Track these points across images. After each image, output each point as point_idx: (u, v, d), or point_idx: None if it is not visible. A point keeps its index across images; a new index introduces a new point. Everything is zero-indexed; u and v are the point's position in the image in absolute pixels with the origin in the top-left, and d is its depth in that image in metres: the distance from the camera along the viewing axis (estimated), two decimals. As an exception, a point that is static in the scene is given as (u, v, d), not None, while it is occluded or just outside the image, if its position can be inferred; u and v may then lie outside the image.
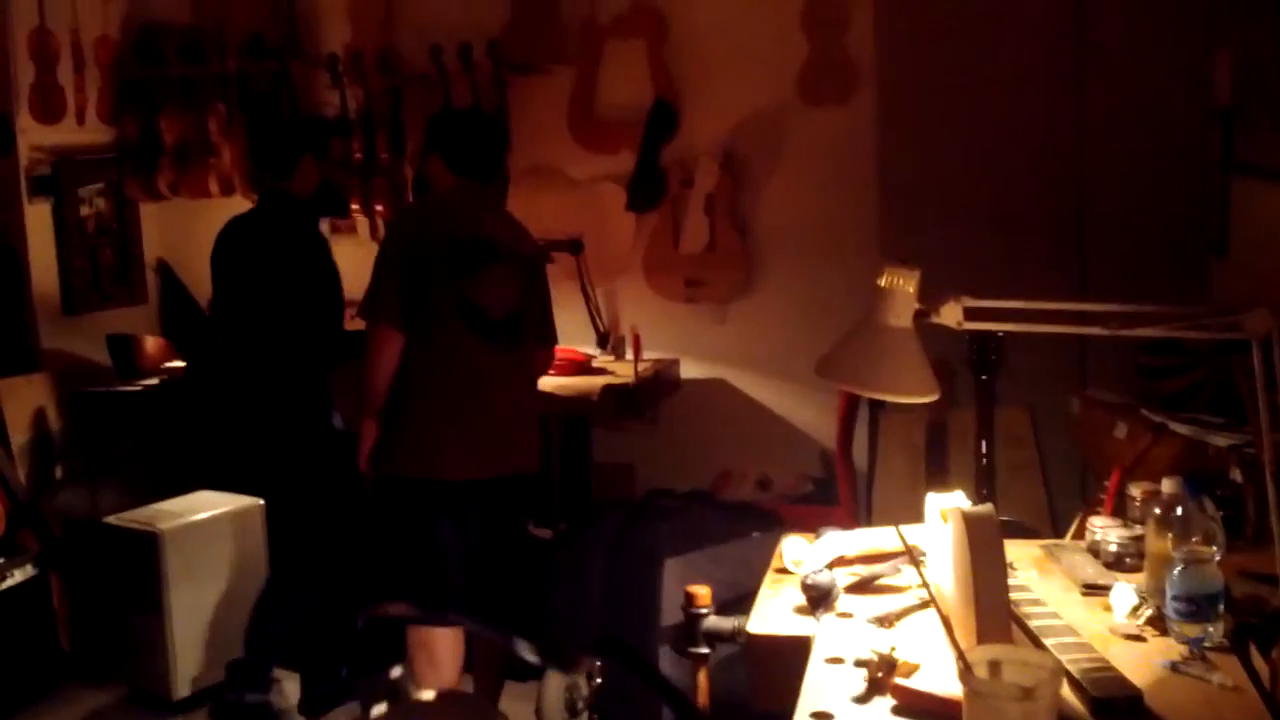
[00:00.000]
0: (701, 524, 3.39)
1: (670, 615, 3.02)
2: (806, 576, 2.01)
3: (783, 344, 4.55)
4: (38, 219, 4.77)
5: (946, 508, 1.81)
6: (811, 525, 3.84)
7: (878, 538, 2.23)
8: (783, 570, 2.21)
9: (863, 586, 2.07)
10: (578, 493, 4.47)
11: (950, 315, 1.99)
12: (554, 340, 3.56)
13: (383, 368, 3.15)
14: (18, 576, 3.88)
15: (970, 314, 1.98)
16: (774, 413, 4.61)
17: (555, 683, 3.04)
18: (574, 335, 4.62)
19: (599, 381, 4.12)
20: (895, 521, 3.85)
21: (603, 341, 4.61)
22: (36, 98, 4.70)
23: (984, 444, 3.66)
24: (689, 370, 4.65)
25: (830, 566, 2.14)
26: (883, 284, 1.98)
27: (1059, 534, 3.68)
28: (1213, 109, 3.40)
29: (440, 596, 3.20)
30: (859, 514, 3.96)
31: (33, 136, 4.73)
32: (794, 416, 4.59)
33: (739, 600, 3.08)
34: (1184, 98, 3.55)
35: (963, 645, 1.60)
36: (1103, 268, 3.74)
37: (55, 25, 4.68)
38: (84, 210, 4.92)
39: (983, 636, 1.57)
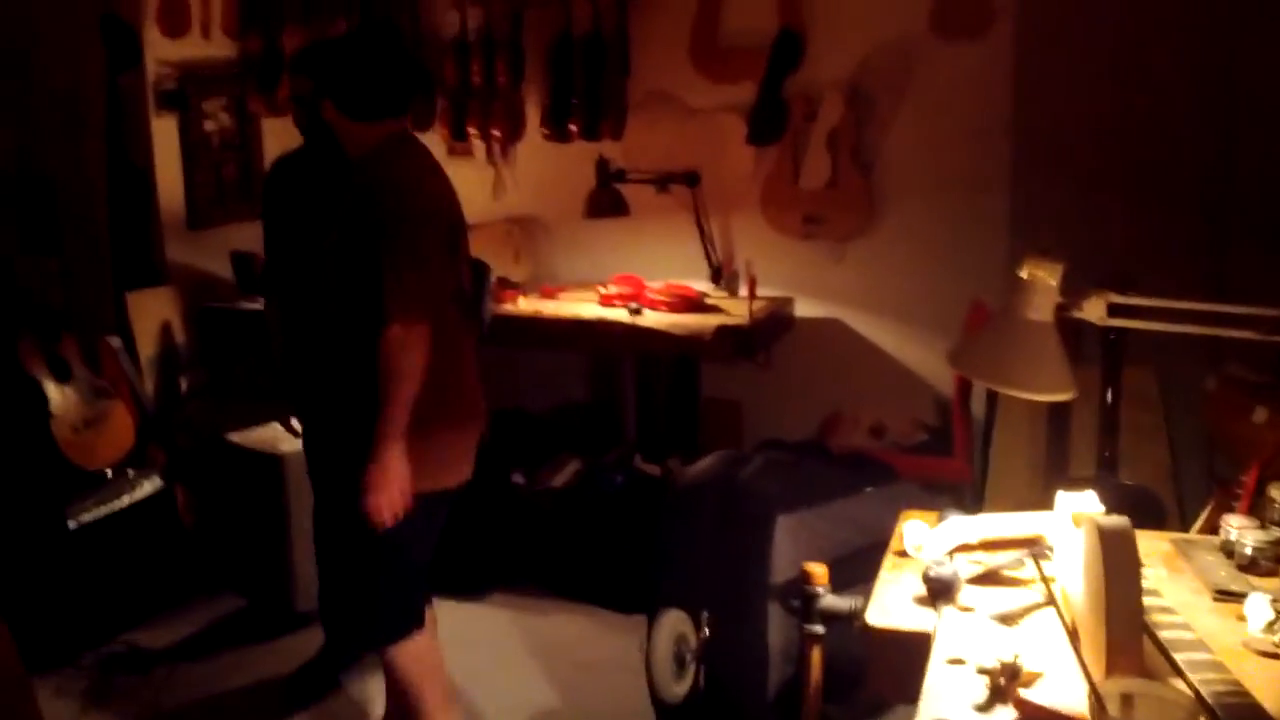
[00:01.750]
0: (814, 475, 3.36)
1: (781, 572, 3.03)
2: (929, 568, 1.98)
3: (901, 287, 4.48)
4: (164, 133, 4.85)
5: (1079, 512, 1.76)
6: (926, 475, 3.85)
7: (1001, 524, 2.18)
8: (902, 553, 2.18)
9: (986, 579, 2.03)
10: (685, 429, 4.47)
11: (1093, 310, 1.92)
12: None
13: (421, 375, 2.64)
14: (146, 489, 4.02)
15: (1114, 310, 1.90)
16: (890, 356, 4.54)
17: (667, 629, 3.08)
18: (687, 269, 4.62)
19: (712, 321, 4.09)
20: (1013, 485, 3.81)
21: (716, 276, 4.58)
22: (163, 12, 4.76)
23: (1109, 403, 3.58)
24: (803, 309, 4.59)
25: (951, 553, 2.11)
26: (1024, 275, 1.90)
27: (1182, 503, 3.60)
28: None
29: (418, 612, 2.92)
30: (975, 468, 3.90)
31: (159, 50, 4.80)
32: (910, 361, 4.52)
33: (853, 557, 3.09)
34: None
35: (1091, 667, 1.57)
36: (1243, 255, 3.57)
37: (184, -60, 4.71)
38: (208, 125, 4.99)
39: (1113, 663, 1.53)
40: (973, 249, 4.32)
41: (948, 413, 4.35)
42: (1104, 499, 2.31)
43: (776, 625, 2.93)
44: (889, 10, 4.34)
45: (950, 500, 3.90)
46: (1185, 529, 3.49)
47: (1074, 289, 1.92)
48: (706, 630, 2.98)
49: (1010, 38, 4.11)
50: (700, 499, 3.18)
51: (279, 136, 5.22)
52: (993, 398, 4.00)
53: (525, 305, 4.42)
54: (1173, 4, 3.57)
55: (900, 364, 4.54)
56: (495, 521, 4.18)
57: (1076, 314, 1.94)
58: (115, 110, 4.56)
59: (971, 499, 3.87)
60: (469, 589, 4.10)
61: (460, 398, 2.88)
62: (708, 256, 4.55)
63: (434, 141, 4.90)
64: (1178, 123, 3.61)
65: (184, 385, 4.65)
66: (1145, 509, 3.52)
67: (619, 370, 4.87)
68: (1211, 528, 2.46)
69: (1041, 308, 1.90)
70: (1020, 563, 2.05)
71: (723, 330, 4.00)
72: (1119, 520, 1.62)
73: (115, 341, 4.34)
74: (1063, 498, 1.92)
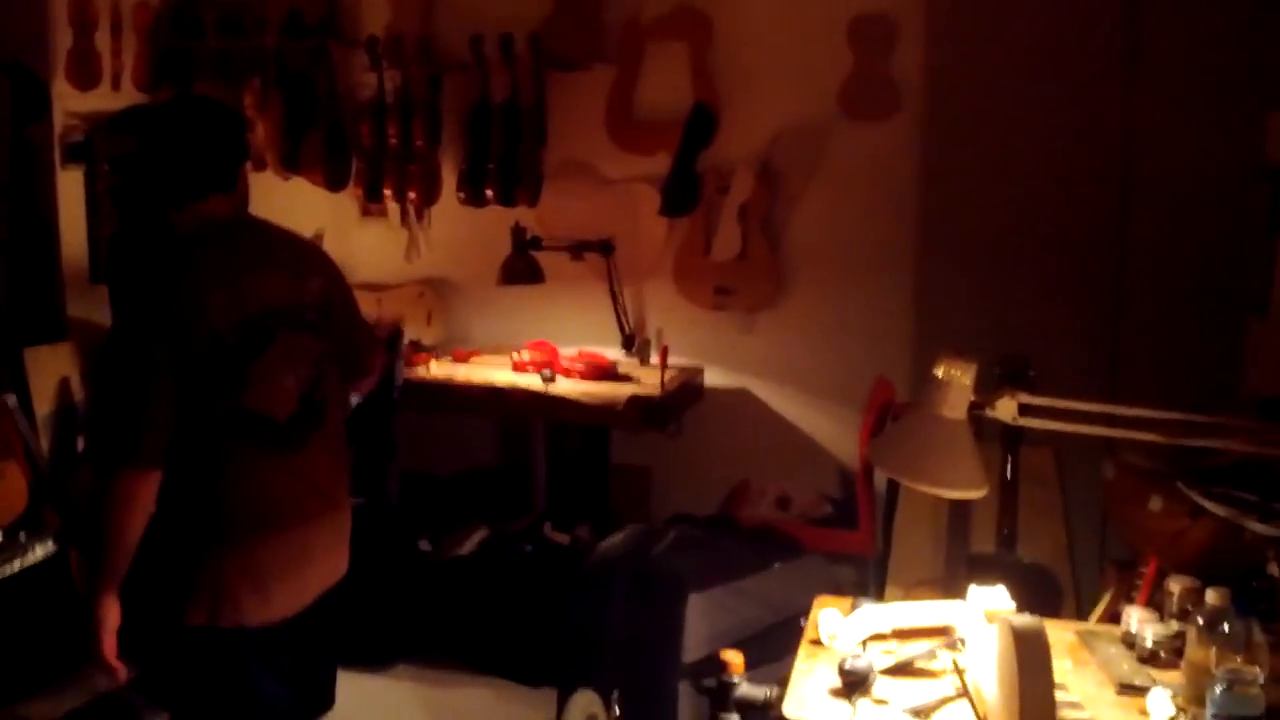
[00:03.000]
0: (723, 551, 3.40)
1: (692, 651, 3.05)
2: (844, 660, 2.01)
3: (808, 359, 4.56)
4: (69, 185, 4.74)
5: (992, 610, 1.81)
6: (830, 548, 3.91)
7: (913, 613, 2.23)
8: (816, 641, 2.22)
9: (900, 670, 2.07)
10: (595, 497, 4.48)
11: (1005, 410, 1.98)
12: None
13: (138, 522, 2.22)
14: (39, 553, 3.89)
15: (1025, 410, 1.97)
16: (796, 426, 4.61)
17: (578, 708, 3.06)
18: (599, 336, 4.65)
19: (625, 390, 4.12)
20: (915, 559, 3.89)
21: (628, 344, 4.62)
22: (73, 63, 4.66)
23: (1008, 481, 3.68)
24: (712, 378, 4.64)
25: (865, 643, 2.15)
26: (939, 375, 1.97)
27: (1077, 581, 3.71)
28: (1261, 168, 3.37)
29: None
30: (878, 541, 3.97)
31: (68, 102, 4.69)
32: (816, 431, 4.59)
33: (762, 635, 3.12)
34: (1230, 156, 3.51)
35: (1007, 767, 1.61)
36: (1138, 323, 3.72)
37: (95, -10, 4.64)
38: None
39: (1029, 764, 1.58)
40: (877, 325, 4.43)
41: (851, 485, 4.42)
42: (1003, 578, 2.38)
43: (687, 705, 2.94)
44: (800, 90, 4.45)
45: (854, 572, 3.99)
46: (1080, 608, 3.61)
47: (983, 383, 1.98)
48: (617, 710, 2.97)
49: (916, 121, 4.25)
50: (612, 575, 3.20)
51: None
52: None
53: (437, 370, 4.40)
54: (1072, 93, 3.72)
55: (805, 435, 4.61)
56: (400, 589, 4.12)
57: (989, 413, 2.00)
58: (21, 162, 4.45)
59: (875, 572, 3.93)
60: (373, 659, 4.03)
61: (260, 537, 2.36)
62: (620, 325, 4.59)
63: (348, 202, 4.90)
64: (1075, 207, 3.76)
65: (80, 445, 4.52)
66: (1043, 589, 3.63)
67: (528, 436, 4.86)
68: (1111, 615, 2.54)
69: (956, 406, 1.96)
70: (933, 654, 2.10)
71: (635, 400, 4.02)
72: (1033, 622, 1.67)
73: (10, 399, 4.19)
74: (975, 592, 1.97)
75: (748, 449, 4.62)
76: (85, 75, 4.68)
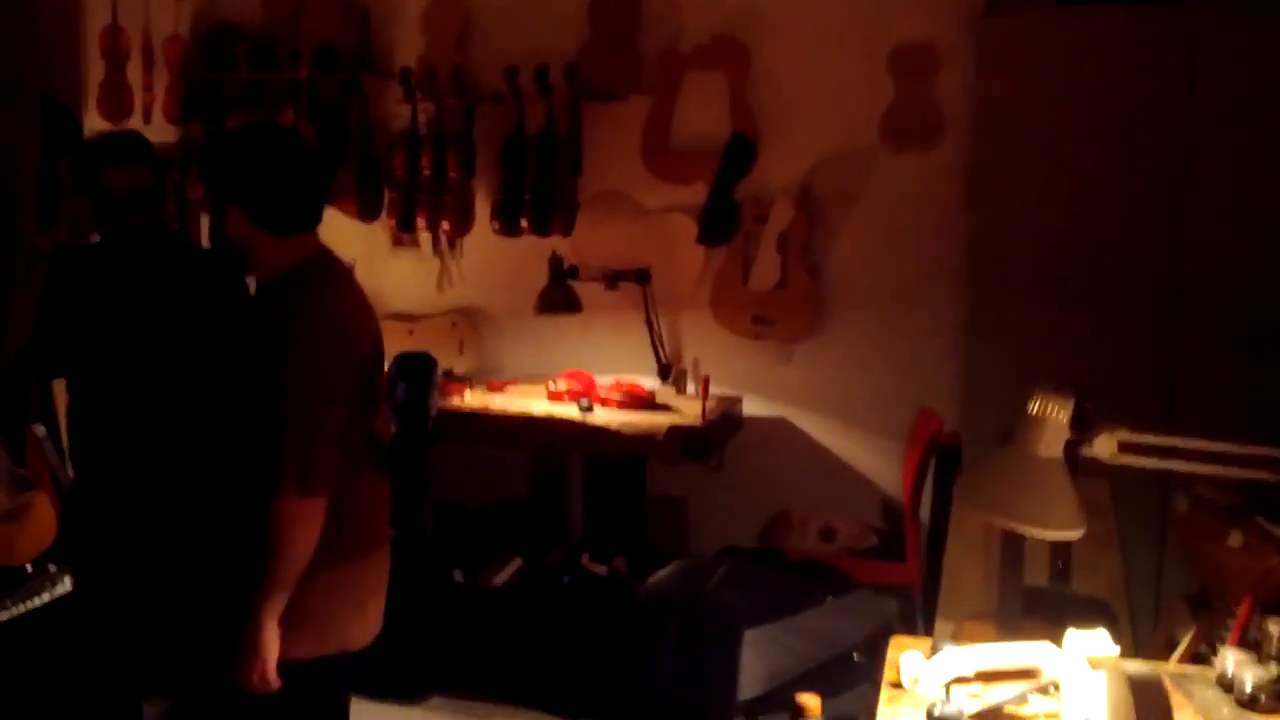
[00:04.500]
0: (774, 586, 3.33)
1: (747, 689, 2.99)
2: (934, 706, 1.95)
3: (848, 388, 4.50)
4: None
5: (1098, 657, 1.74)
6: (878, 580, 3.84)
7: (997, 655, 2.16)
8: (897, 684, 2.15)
9: (989, 715, 2.00)
10: (631, 528, 4.42)
11: (1104, 448, 1.92)
12: None
13: (311, 550, 2.22)
14: (68, 584, 3.83)
15: (1124, 448, 1.91)
16: (836, 457, 4.55)
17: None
18: (635, 366, 4.59)
19: (664, 420, 4.05)
20: (966, 591, 3.81)
21: (664, 373, 4.56)
22: (105, 95, 4.64)
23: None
24: (751, 408, 4.58)
25: (947, 685, 2.08)
26: (1033, 411, 1.90)
27: (1134, 614, 3.63)
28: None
29: None
30: (926, 573, 3.90)
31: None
32: (857, 462, 4.53)
33: (820, 670, 3.06)
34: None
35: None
36: (1195, 355, 3.65)
37: (127, 23, 4.61)
38: (146, 210, 4.86)
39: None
40: (920, 354, 4.38)
41: (894, 516, 4.36)
42: (1058, 611, 2.31)
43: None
44: (840, 120, 4.41)
45: (902, 605, 3.91)
46: (1136, 642, 3.53)
47: (1081, 424, 1.92)
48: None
49: (960, 150, 4.20)
50: (664, 613, 3.13)
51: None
52: (944, 503, 4.02)
53: (472, 399, 4.35)
54: (1126, 123, 3.65)
55: (847, 465, 4.55)
56: (434, 621, 4.04)
57: (1086, 451, 1.94)
58: (50, 194, 4.41)
59: (923, 605, 3.86)
60: (406, 692, 3.95)
61: (365, 557, 2.41)
62: (656, 354, 4.54)
63: (380, 233, 4.86)
64: (1130, 232, 3.69)
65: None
66: (1100, 622, 3.55)
67: (563, 466, 4.80)
68: (1192, 656, 2.47)
69: (1052, 444, 1.90)
70: (1024, 698, 2.03)
71: (675, 430, 3.96)
72: (1150, 672, 1.61)
73: (40, 430, 4.16)
74: (1073, 636, 1.90)
75: (787, 480, 4.56)
76: (116, 108, 4.66)
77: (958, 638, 3.49)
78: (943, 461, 3.90)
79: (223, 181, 2.30)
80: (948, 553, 3.79)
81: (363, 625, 2.39)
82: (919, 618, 3.81)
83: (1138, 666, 1.64)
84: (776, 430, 4.60)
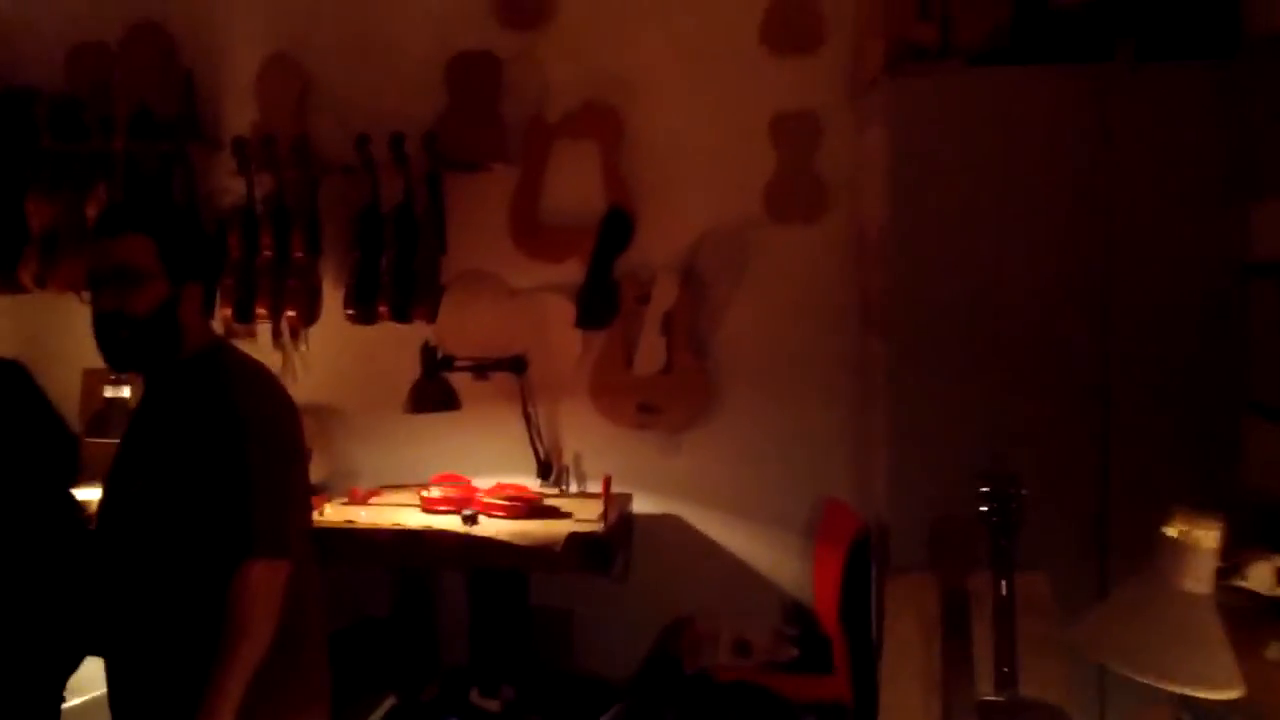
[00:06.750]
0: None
1: None
2: None
3: (741, 478, 4.17)
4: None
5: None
6: (809, 697, 3.49)
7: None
8: None
9: None
10: (518, 650, 3.93)
11: (1260, 578, 1.60)
12: None
13: (272, 634, 2.10)
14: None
15: None
16: (733, 555, 4.19)
17: None
18: (513, 465, 4.15)
19: (561, 528, 3.60)
20: (906, 705, 3.50)
21: (544, 472, 4.13)
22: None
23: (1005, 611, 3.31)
24: (639, 505, 4.18)
25: None
26: (1173, 534, 1.58)
27: (1089, 715, 3.39)
28: (1264, 264, 3.19)
29: None
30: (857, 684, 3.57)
31: None
32: (755, 560, 4.18)
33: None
34: (1211, 251, 3.31)
35: None
36: (1128, 426, 3.46)
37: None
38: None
39: None
40: (818, 440, 4.10)
41: (803, 619, 4.03)
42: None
43: None
44: (722, 191, 4.13)
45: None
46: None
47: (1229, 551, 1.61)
48: None
49: (849, 220, 3.98)
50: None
51: (11, 316, 4.42)
52: (860, 605, 3.69)
53: (333, 513, 3.80)
54: (1043, 173, 3.45)
55: (745, 564, 4.19)
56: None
57: (1239, 583, 1.63)
58: None
59: None
60: None
61: (313, 670, 2.34)
62: (535, 450, 4.10)
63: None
64: (1052, 291, 3.47)
65: None
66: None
67: (428, 580, 4.28)
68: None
69: (1200, 577, 1.57)
70: None
71: (575, 539, 3.52)
72: None
73: None
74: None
75: (681, 583, 4.16)
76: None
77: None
78: (875, 564, 3.59)
79: (189, 259, 2.22)
80: (883, 663, 3.47)
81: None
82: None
83: None
84: (666, 528, 4.21)
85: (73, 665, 2.62)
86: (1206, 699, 1.64)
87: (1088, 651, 1.66)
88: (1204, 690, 1.64)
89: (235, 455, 2.09)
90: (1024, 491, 3.03)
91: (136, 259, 2.16)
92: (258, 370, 2.31)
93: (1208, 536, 1.57)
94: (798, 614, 4.06)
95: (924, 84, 3.41)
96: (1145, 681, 1.62)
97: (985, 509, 3.10)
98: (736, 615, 3.94)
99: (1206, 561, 1.57)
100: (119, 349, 2.21)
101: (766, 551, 4.17)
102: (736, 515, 4.19)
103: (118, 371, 2.38)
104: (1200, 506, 1.60)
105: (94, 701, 2.66)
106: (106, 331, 2.20)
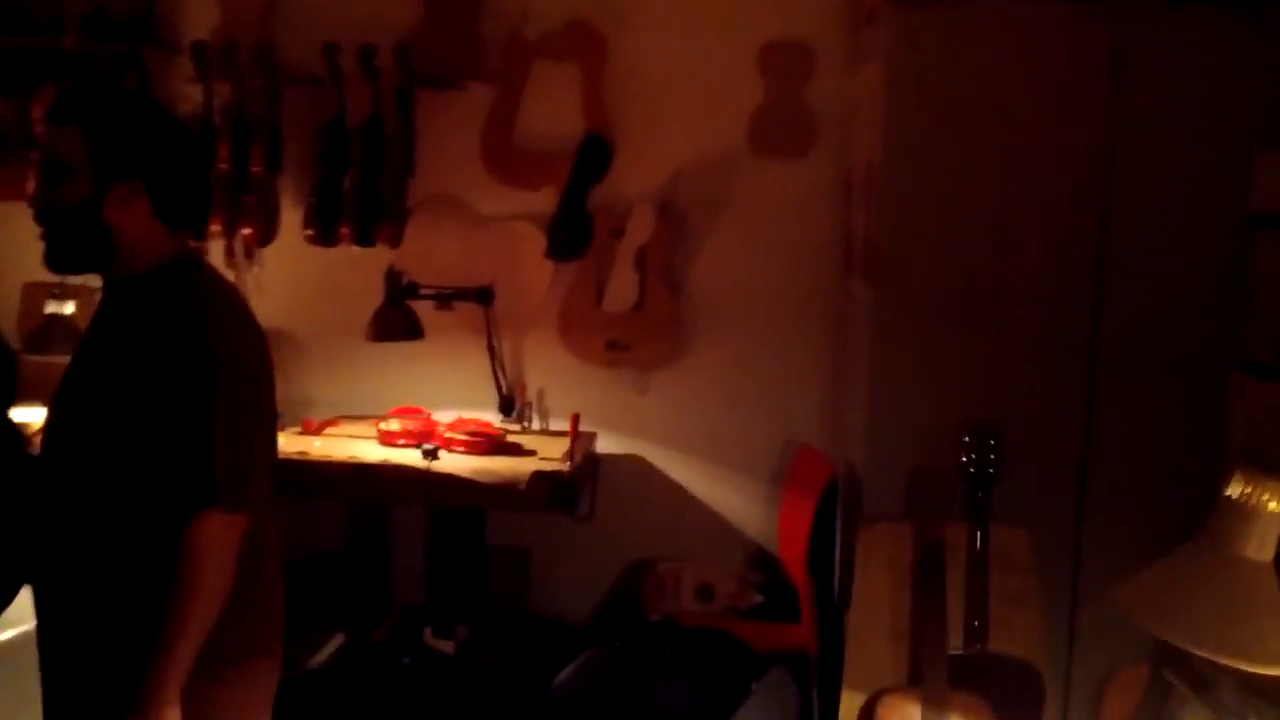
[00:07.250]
0: (702, 677, 2.82)
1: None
2: None
3: (712, 421, 4.05)
4: None
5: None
6: (774, 646, 3.39)
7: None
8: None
9: None
10: (474, 590, 3.80)
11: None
12: None
13: (228, 590, 1.94)
14: None
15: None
16: (698, 499, 4.07)
17: None
18: (475, 399, 3.99)
19: (526, 466, 3.46)
20: (874, 655, 3.40)
21: (506, 407, 3.98)
22: None
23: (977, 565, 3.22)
24: (603, 445, 4.05)
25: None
26: (1234, 495, 1.44)
27: (1056, 671, 3.32)
28: (1253, 214, 3.09)
29: None
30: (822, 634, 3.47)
31: None
32: (720, 505, 4.07)
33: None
34: (1214, 201, 3.20)
35: None
36: (1113, 380, 3.36)
37: None
38: None
39: None
40: (793, 384, 3.98)
41: (768, 566, 3.93)
42: (984, 677, 1.90)
43: None
44: (706, 122, 3.96)
45: (796, 673, 3.46)
46: (1065, 707, 3.23)
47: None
48: None
49: (836, 158, 3.83)
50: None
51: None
52: (826, 554, 3.59)
53: (286, 444, 3.63)
54: (1046, 115, 3.31)
55: (710, 509, 4.08)
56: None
57: None
58: None
59: (820, 673, 3.43)
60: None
61: (272, 619, 2.20)
62: (498, 384, 3.95)
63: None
64: (1048, 243, 3.35)
65: None
66: (1028, 688, 3.22)
67: (383, 515, 4.13)
68: None
69: (1265, 543, 1.43)
70: None
71: (540, 477, 3.38)
72: None
73: None
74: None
75: (643, 525, 4.05)
76: None
77: (873, 713, 3.09)
78: (845, 514, 3.48)
79: (123, 155, 1.95)
80: (852, 614, 3.38)
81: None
82: (814, 690, 3.37)
83: None
84: (630, 470, 4.08)
85: (7, 598, 2.45)
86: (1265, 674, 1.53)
87: (1138, 618, 1.52)
88: (1264, 665, 1.52)
89: (199, 394, 1.89)
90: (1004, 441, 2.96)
91: (63, 151, 1.95)
92: (229, 293, 2.09)
93: (1274, 498, 1.44)
94: (762, 561, 3.96)
95: (927, 16, 3.24)
96: (1203, 655, 1.49)
97: (964, 460, 3.02)
98: (700, 560, 3.84)
99: (1272, 526, 1.44)
100: (46, 249, 2.02)
101: (733, 496, 4.05)
102: (704, 458, 4.07)
103: (55, 273, 2.12)
104: (1267, 464, 1.46)
105: (23, 636, 2.49)
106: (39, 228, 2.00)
